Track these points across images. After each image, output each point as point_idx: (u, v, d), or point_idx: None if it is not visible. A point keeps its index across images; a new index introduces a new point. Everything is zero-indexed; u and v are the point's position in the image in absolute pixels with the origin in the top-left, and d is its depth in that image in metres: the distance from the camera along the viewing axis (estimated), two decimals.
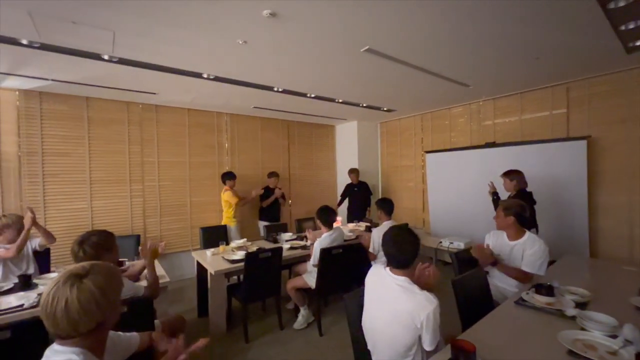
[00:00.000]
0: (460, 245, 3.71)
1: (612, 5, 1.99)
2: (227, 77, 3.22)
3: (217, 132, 4.85)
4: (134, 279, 2.26)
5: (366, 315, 1.59)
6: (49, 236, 2.61)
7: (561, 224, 3.60)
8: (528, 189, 3.11)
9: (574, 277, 2.29)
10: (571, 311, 1.60)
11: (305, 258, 3.25)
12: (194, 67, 2.94)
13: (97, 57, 2.59)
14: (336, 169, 6.39)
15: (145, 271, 2.08)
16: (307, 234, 3.30)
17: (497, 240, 2.36)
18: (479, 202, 4.19)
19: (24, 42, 2.29)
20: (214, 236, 3.82)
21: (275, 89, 3.66)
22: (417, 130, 5.50)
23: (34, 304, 1.88)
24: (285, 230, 4.25)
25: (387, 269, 1.54)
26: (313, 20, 2.12)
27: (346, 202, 5.44)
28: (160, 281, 2.14)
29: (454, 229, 4.59)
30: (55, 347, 0.93)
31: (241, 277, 3.17)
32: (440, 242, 3.93)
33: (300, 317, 3.05)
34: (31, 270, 2.51)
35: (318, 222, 3.05)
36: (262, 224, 4.71)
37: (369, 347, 1.57)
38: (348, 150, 6.09)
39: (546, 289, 1.80)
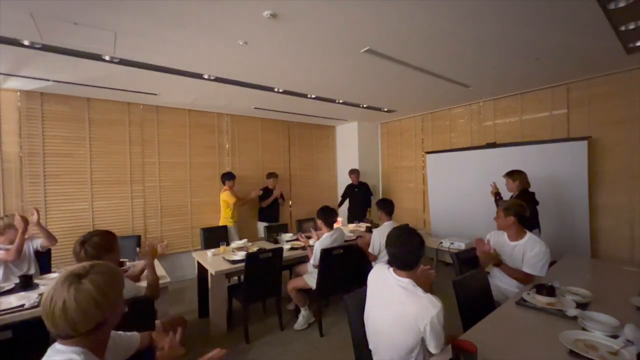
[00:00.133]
0: (460, 245, 3.70)
1: (612, 6, 1.99)
2: (227, 78, 3.23)
3: (218, 132, 4.85)
4: (134, 279, 2.26)
5: (368, 314, 1.59)
6: (51, 238, 2.62)
7: (562, 225, 3.60)
8: (530, 190, 3.11)
9: (575, 277, 2.29)
10: (572, 311, 1.59)
11: (306, 259, 3.25)
12: (194, 68, 2.95)
13: (98, 57, 2.60)
14: (336, 170, 6.40)
15: (146, 272, 2.09)
16: (312, 234, 3.28)
17: (497, 241, 2.37)
18: (479, 203, 4.19)
19: (26, 43, 2.30)
20: (215, 237, 3.83)
21: (276, 90, 3.66)
22: (418, 131, 5.51)
23: (35, 304, 1.88)
24: (286, 231, 4.25)
25: (391, 269, 1.53)
26: (313, 21, 2.12)
27: (346, 203, 5.44)
28: (161, 282, 2.14)
29: (454, 230, 4.59)
30: (57, 346, 0.93)
31: (242, 277, 3.18)
32: (441, 243, 3.93)
33: (300, 318, 3.04)
34: (32, 271, 2.52)
35: (319, 222, 3.05)
36: (261, 224, 4.71)
37: (371, 347, 1.57)
38: (348, 151, 6.09)
39: (547, 290, 1.80)
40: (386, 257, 3.16)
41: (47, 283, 2.24)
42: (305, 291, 3.04)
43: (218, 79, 3.22)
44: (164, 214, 4.37)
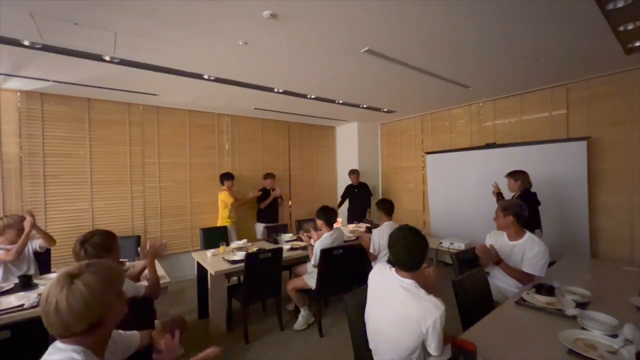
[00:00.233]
0: (460, 246, 3.70)
1: (610, 6, 1.99)
2: (227, 78, 3.23)
3: (218, 133, 4.86)
4: (134, 279, 2.26)
5: (369, 314, 1.58)
6: (49, 239, 2.62)
7: (562, 225, 3.60)
8: (531, 190, 3.11)
9: (574, 277, 2.29)
10: (572, 311, 1.60)
11: (305, 259, 3.25)
12: (194, 68, 2.96)
13: (98, 58, 2.61)
14: (336, 170, 6.40)
15: (146, 272, 2.09)
16: (312, 234, 3.27)
17: (497, 240, 2.37)
18: (479, 203, 4.19)
19: (26, 43, 2.30)
20: (214, 237, 3.83)
21: (276, 90, 3.67)
22: (417, 132, 5.51)
23: (34, 304, 1.88)
24: (286, 231, 4.25)
25: (393, 269, 1.52)
26: (313, 21, 2.13)
27: (346, 204, 5.44)
28: (161, 282, 2.14)
29: (454, 230, 4.59)
30: (57, 344, 0.93)
31: (241, 278, 3.18)
32: (441, 243, 3.92)
33: (300, 318, 3.04)
34: (32, 271, 2.52)
35: (319, 222, 3.05)
36: (260, 225, 4.71)
37: (371, 346, 1.56)
38: (348, 152, 6.09)
39: (547, 289, 1.80)
40: (386, 257, 3.17)
41: (47, 283, 2.24)
42: (305, 291, 3.04)
43: (218, 79, 3.23)
44: (163, 214, 4.36)
